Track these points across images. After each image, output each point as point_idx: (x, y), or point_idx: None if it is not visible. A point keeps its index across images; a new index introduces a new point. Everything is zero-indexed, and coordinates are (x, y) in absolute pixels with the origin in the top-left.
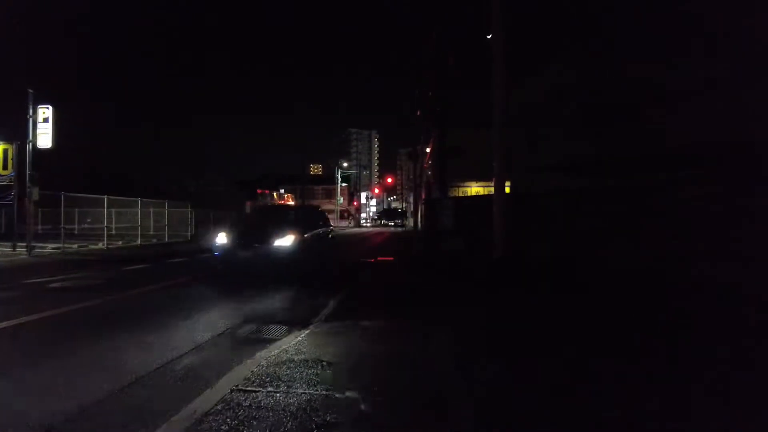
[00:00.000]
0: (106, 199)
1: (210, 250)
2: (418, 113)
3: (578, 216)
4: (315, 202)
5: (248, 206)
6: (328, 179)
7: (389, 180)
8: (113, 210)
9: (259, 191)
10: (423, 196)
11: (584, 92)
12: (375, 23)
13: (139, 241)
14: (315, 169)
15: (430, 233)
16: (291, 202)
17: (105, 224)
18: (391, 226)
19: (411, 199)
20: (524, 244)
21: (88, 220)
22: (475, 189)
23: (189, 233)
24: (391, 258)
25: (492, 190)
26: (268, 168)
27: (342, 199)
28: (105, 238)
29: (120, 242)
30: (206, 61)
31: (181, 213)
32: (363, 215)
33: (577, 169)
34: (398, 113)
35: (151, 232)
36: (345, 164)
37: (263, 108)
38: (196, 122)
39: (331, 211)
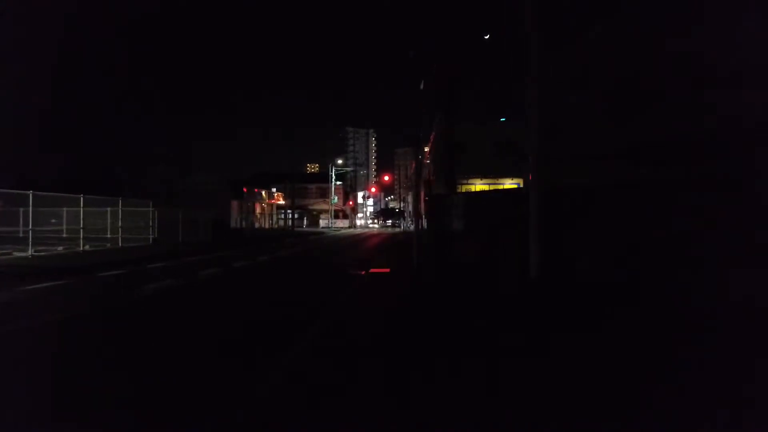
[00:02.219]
0: (31, 196)
1: (167, 257)
2: (422, 86)
3: (659, 220)
4: (308, 202)
5: (234, 206)
6: (323, 178)
7: (386, 178)
8: (64, 210)
9: (245, 190)
10: (423, 195)
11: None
12: (374, 22)
13: (83, 247)
14: (312, 167)
15: (433, 237)
16: (281, 201)
17: (30, 227)
18: (388, 226)
19: (409, 199)
20: (568, 257)
21: (53, 221)
22: (479, 187)
23: (151, 236)
24: (387, 270)
25: (499, 187)
26: (268, 167)
27: (336, 198)
28: (30, 244)
29: (60, 248)
30: (205, 61)
31: (142, 213)
32: (359, 215)
33: (637, 157)
34: (397, 100)
35: (108, 235)
36: (340, 161)
37: (263, 108)
38: (193, 122)
39: (325, 211)
